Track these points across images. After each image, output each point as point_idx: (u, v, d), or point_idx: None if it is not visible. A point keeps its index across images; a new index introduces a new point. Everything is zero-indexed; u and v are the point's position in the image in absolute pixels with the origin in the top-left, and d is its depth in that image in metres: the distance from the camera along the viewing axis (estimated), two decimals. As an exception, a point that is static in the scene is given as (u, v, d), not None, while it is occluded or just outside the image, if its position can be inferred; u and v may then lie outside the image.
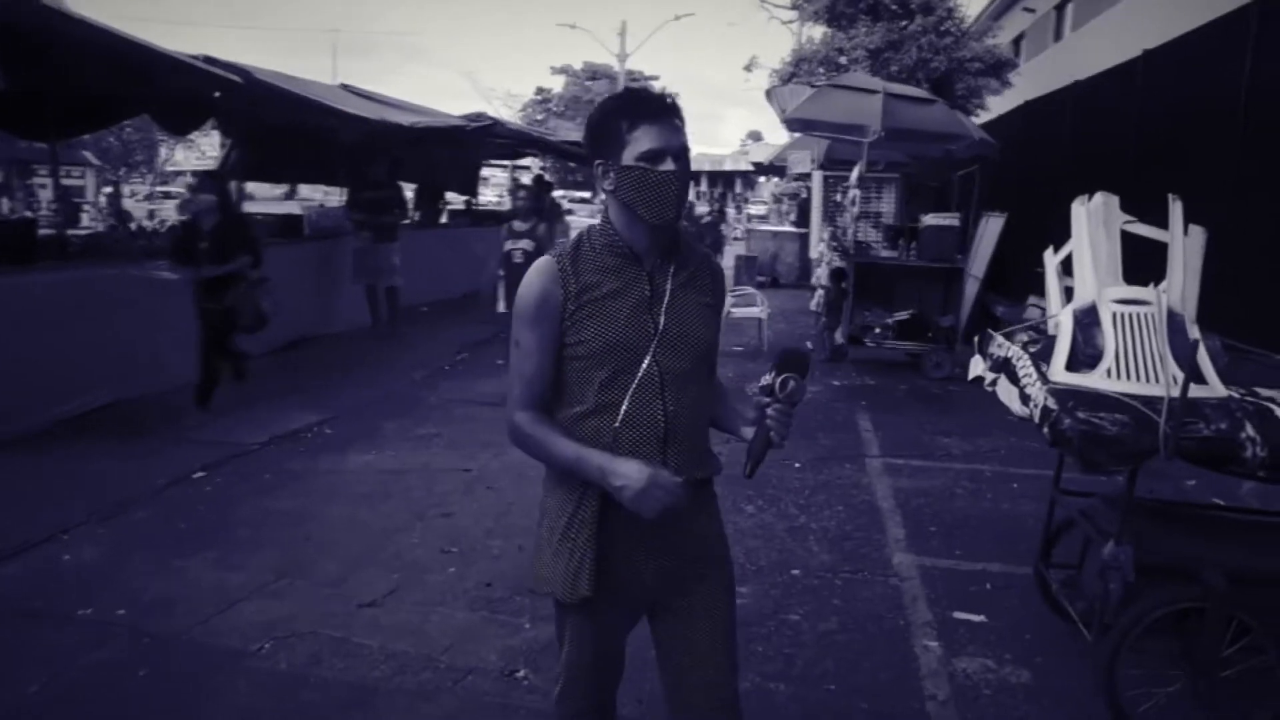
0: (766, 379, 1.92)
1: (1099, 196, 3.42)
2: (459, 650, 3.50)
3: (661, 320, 1.90)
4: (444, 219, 15.86)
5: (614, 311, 1.88)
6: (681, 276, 1.96)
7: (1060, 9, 21.39)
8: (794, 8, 19.70)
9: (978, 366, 3.62)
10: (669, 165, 1.84)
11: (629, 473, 1.78)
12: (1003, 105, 16.13)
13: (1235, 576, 2.90)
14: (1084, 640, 3.32)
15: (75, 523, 4.57)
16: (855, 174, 8.90)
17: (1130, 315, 3.06)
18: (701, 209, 20.03)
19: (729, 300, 10.31)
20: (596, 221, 1.99)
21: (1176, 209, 3.31)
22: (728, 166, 46.05)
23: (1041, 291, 9.05)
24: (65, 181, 24.83)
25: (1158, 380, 2.85)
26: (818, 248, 12.60)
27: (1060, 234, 3.55)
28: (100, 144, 31.99)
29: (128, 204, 29.77)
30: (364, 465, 5.73)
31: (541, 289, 1.89)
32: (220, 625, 3.63)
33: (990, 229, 11.30)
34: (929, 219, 9.06)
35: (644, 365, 1.88)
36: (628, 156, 1.84)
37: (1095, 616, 3.06)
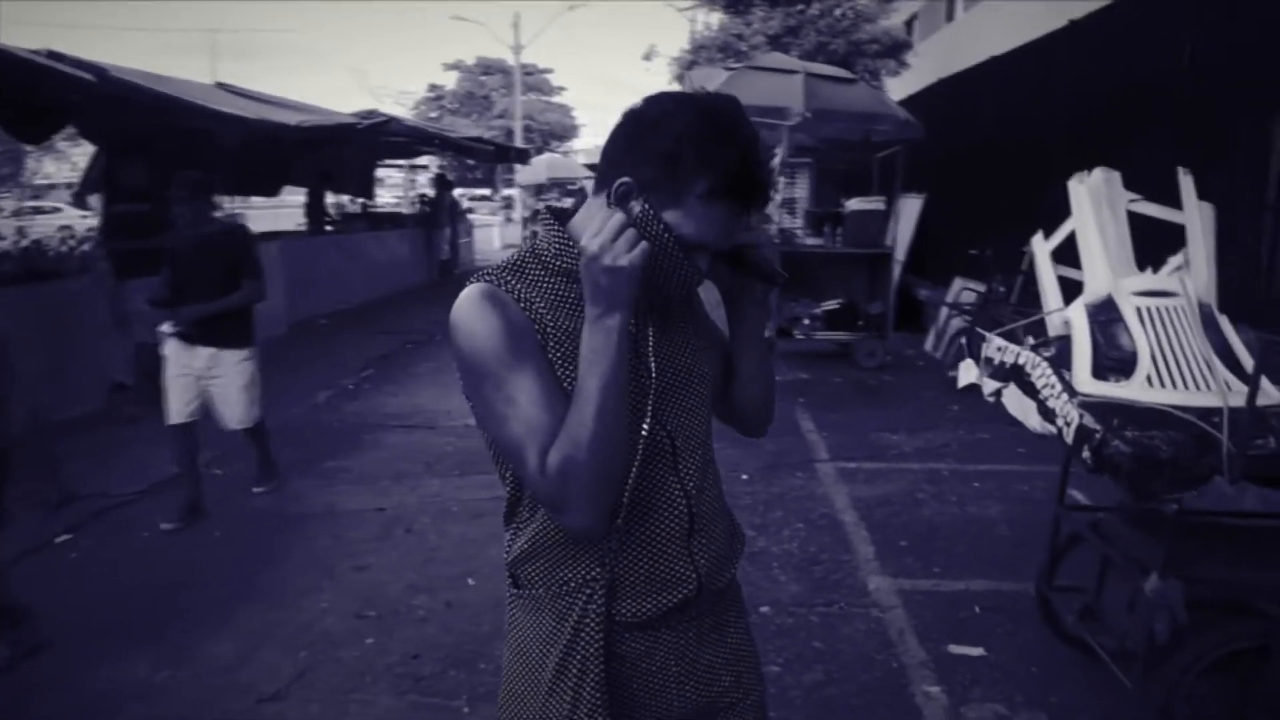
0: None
1: (1099, 173, 3.00)
2: (385, 751, 2.90)
3: (653, 365, 1.34)
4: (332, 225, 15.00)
5: None
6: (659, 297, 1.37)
7: (951, -11, 21.49)
8: (689, -6, 19.30)
9: (970, 373, 3.17)
10: (703, 261, 1.29)
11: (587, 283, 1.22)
12: (900, 87, 16.00)
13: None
14: (1099, 670, 2.93)
15: (-100, 616, 3.76)
16: (777, 159, 8.45)
17: (1157, 309, 2.64)
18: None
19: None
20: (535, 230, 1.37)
21: (1188, 184, 2.91)
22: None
23: (969, 273, 8.92)
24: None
25: (1208, 387, 2.43)
26: (736, 238, 12.17)
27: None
28: (-44, 158, 29.64)
29: (-4, 221, 27.68)
30: (260, 512, 5.01)
31: (504, 318, 1.25)
32: (83, 744, 2.94)
33: (908, 210, 11.05)
34: (854, 203, 8.71)
35: (644, 430, 1.30)
36: (668, 205, 1.23)
37: (1135, 660, 2.64)
